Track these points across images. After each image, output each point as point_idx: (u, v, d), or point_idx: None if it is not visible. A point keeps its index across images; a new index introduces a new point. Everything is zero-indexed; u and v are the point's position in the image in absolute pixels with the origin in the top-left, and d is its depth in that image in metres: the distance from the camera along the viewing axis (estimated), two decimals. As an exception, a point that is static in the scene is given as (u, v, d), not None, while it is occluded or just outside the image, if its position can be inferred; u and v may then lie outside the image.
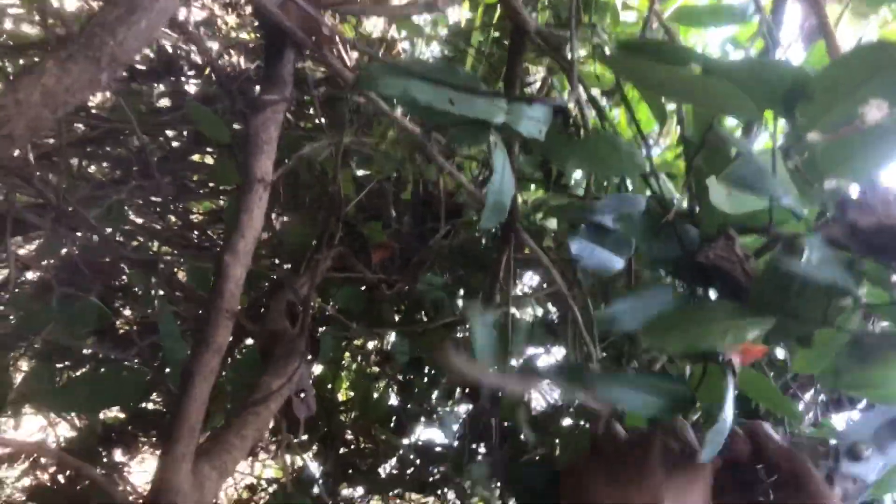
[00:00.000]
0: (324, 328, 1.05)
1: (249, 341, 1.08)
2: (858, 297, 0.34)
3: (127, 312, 1.16)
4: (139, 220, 1.20)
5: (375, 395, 1.18)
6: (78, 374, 1.02)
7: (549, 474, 0.48)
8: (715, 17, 0.71)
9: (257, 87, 0.69)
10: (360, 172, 1.06)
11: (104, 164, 1.21)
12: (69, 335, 0.91)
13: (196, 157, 1.22)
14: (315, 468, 1.15)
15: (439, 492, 1.17)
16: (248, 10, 1.15)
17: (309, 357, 0.75)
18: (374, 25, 1.13)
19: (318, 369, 1.17)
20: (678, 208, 0.49)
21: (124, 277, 1.12)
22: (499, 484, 0.95)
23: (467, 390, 1.08)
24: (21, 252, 1.10)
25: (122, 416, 1.13)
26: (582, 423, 0.97)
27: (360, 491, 1.20)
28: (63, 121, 0.91)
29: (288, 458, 1.11)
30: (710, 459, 0.38)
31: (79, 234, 0.97)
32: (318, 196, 1.02)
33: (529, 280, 1.19)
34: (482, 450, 1.07)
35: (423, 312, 1.13)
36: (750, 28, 0.83)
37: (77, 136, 1.09)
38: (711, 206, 0.44)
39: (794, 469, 0.40)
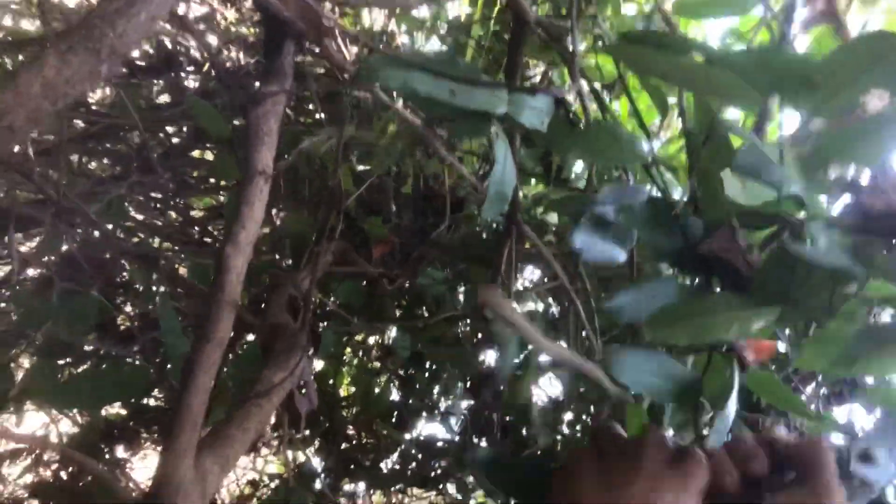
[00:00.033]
0: (325, 323, 1.05)
1: (250, 337, 1.08)
2: (864, 281, 0.34)
3: (128, 308, 1.16)
4: (140, 217, 1.20)
5: (377, 391, 1.18)
6: (80, 370, 1.02)
7: (540, 471, 0.47)
8: (717, 8, 0.71)
9: (257, 83, 0.69)
10: (360, 167, 1.05)
11: (104, 161, 1.21)
12: (70, 331, 0.90)
13: (196, 154, 1.22)
14: (317, 463, 1.15)
15: (441, 487, 1.17)
16: (248, 4, 1.14)
17: (310, 351, 0.75)
18: (373, 19, 1.13)
19: (319, 365, 1.17)
20: (681, 200, 0.49)
21: (125, 274, 1.12)
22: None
23: (469, 385, 1.08)
24: (22, 248, 1.10)
25: (123, 412, 1.13)
26: (584, 417, 0.97)
27: (361, 486, 1.20)
28: (63, 116, 0.90)
29: (290, 453, 1.11)
30: (717, 445, 0.38)
31: (79, 230, 0.97)
32: (319, 191, 1.02)
33: (530, 274, 1.20)
34: (483, 445, 1.07)
35: (424, 307, 1.13)
36: (751, 20, 0.83)
37: (77, 132, 1.09)
38: (714, 197, 0.44)
39: (811, 458, 0.39)
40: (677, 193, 0.59)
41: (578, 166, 1.00)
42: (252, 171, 0.60)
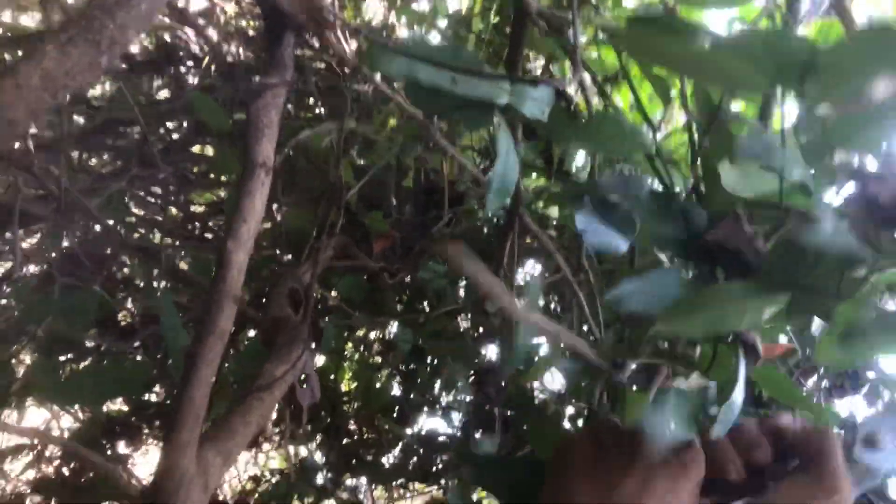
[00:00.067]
0: (326, 318, 1.05)
1: (252, 333, 1.08)
2: (875, 264, 0.34)
3: (129, 304, 1.15)
4: (140, 212, 1.20)
5: (378, 385, 1.18)
6: (81, 366, 1.02)
7: (532, 471, 0.46)
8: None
9: (257, 77, 0.68)
10: (360, 161, 1.05)
11: (104, 157, 1.21)
12: (71, 327, 0.90)
13: (196, 149, 1.22)
14: (318, 458, 1.15)
15: (442, 481, 1.17)
16: (247, -1, 1.14)
17: (312, 345, 0.75)
18: (373, 12, 1.13)
19: (320, 360, 1.17)
20: (685, 190, 0.49)
21: (126, 269, 1.12)
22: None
23: (471, 379, 1.08)
24: (23, 244, 1.10)
25: (125, 407, 1.13)
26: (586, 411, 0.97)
27: (363, 481, 1.20)
28: (64, 111, 0.90)
29: (291, 448, 1.11)
30: (720, 436, 0.38)
31: (80, 225, 0.97)
32: (319, 185, 1.02)
33: (531, 269, 1.19)
34: (484, 440, 1.07)
35: (425, 301, 1.13)
36: (754, 11, 0.82)
37: (78, 127, 1.09)
38: (719, 187, 0.43)
39: (818, 446, 0.38)
40: (679, 185, 0.59)
41: (580, 159, 1.00)
42: (252, 163, 0.59)
